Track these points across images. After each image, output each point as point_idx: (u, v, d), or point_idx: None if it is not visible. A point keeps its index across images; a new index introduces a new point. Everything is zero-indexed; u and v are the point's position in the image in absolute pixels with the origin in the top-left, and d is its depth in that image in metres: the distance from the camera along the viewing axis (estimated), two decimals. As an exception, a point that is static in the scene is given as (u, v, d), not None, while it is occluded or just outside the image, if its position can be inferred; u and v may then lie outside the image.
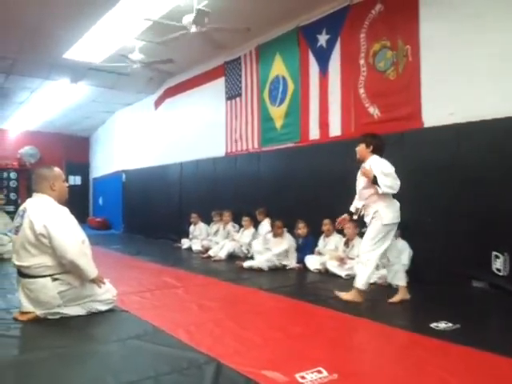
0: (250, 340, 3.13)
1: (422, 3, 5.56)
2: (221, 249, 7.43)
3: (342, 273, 5.52)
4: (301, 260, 6.33)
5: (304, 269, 6.19)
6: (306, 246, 6.46)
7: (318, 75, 7.02)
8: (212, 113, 9.46)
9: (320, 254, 6.21)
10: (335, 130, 6.73)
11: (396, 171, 4.23)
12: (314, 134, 7.07)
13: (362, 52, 6.30)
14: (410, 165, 5.38)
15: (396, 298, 4.27)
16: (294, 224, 6.59)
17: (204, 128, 9.71)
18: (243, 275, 5.84)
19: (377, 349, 3.12)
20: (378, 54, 6.11)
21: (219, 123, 9.12)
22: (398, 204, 4.30)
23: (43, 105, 12.26)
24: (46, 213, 3.52)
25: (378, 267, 4.93)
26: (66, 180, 3.97)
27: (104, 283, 3.78)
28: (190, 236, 8.91)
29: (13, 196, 14.74)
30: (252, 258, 6.77)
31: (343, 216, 4.61)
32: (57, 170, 3.81)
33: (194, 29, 6.03)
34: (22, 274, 3.54)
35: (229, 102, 8.93)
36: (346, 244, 5.85)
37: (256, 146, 8.24)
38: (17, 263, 3.56)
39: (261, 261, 6.26)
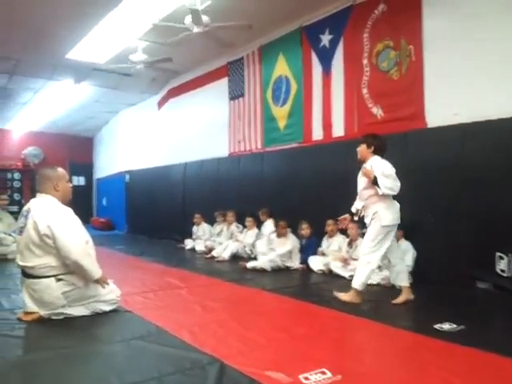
0: (253, 341, 3.13)
1: (425, 3, 5.55)
2: (224, 249, 7.43)
3: (346, 273, 5.51)
4: (304, 261, 6.33)
5: (307, 269, 6.18)
6: (310, 247, 6.45)
7: (321, 75, 7.01)
8: (215, 113, 9.47)
9: (323, 254, 6.21)
10: (338, 130, 6.72)
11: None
12: (318, 134, 7.06)
13: (365, 52, 6.29)
14: (413, 165, 5.37)
15: (400, 299, 4.26)
16: (298, 224, 6.59)
17: (207, 128, 9.71)
18: (246, 276, 5.84)
19: (381, 350, 3.12)
20: (381, 53, 6.10)
21: (222, 123, 9.13)
22: (397, 205, 4.28)
23: (47, 105, 12.29)
24: (50, 213, 3.53)
25: (380, 268, 4.94)
26: (70, 180, 3.98)
27: (108, 284, 3.79)
28: (194, 236, 8.91)
29: (16, 196, 14.77)
30: (255, 258, 6.77)
31: (344, 216, 4.62)
32: (60, 170, 3.82)
33: (196, 29, 6.05)
34: (26, 274, 3.55)
35: (232, 102, 8.94)
36: (350, 245, 5.84)
37: (259, 146, 8.24)
38: (21, 264, 3.57)
39: (264, 261, 6.26)
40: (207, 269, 6.49)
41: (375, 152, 4.33)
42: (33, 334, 3.31)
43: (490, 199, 4.77)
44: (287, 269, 6.28)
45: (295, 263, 6.35)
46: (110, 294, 3.81)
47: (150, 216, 11.35)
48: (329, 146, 6.71)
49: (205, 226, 8.83)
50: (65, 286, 3.53)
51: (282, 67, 7.75)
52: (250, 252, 7.38)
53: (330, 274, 5.81)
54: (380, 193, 4.12)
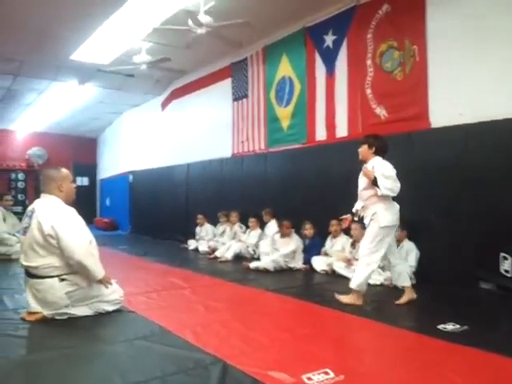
0: (256, 341, 3.13)
1: (429, 3, 5.53)
2: (227, 250, 7.44)
3: (349, 274, 5.47)
4: (307, 261, 6.32)
5: (310, 270, 6.18)
6: (313, 247, 6.45)
7: (324, 76, 7.00)
8: (219, 114, 9.47)
9: (326, 254, 6.20)
10: (342, 130, 6.71)
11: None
12: (321, 134, 7.06)
13: (369, 52, 6.28)
14: (417, 165, 5.37)
15: (403, 300, 4.25)
16: (301, 225, 6.59)
17: (211, 129, 9.72)
18: (249, 276, 5.84)
19: (384, 350, 3.11)
20: (385, 54, 6.09)
21: (226, 124, 9.13)
22: (397, 207, 4.26)
23: (51, 106, 12.32)
24: (54, 214, 3.54)
25: (383, 269, 4.94)
26: (74, 181, 3.99)
27: (111, 284, 3.80)
28: (197, 237, 8.92)
29: (21, 197, 14.80)
30: (258, 258, 6.77)
31: (346, 216, 4.62)
32: (64, 170, 3.83)
33: (200, 30, 6.05)
34: (30, 274, 3.57)
35: (235, 102, 8.94)
36: (353, 245, 5.83)
37: (263, 146, 8.24)
38: (25, 264, 3.58)
39: (267, 261, 6.26)
40: (210, 269, 6.49)
41: (376, 153, 4.31)
42: (36, 333, 3.32)
43: (494, 199, 4.76)
44: (290, 269, 6.27)
45: (298, 263, 6.35)
46: (113, 294, 3.82)
47: (153, 216, 11.37)
48: (332, 147, 6.70)
49: (208, 226, 8.83)
50: (68, 286, 3.54)
51: (285, 68, 7.75)
52: (253, 252, 7.38)
53: (333, 275, 5.81)
54: (379, 193, 4.11)
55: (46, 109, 12.58)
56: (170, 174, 10.94)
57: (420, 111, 5.62)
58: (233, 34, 6.80)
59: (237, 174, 8.60)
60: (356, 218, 4.55)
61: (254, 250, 7.38)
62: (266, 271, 6.09)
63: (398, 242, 5.32)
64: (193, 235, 9.06)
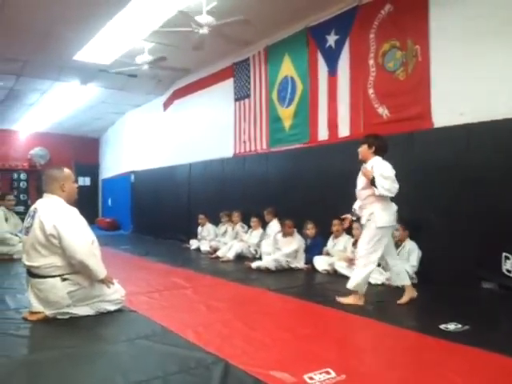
0: (258, 340, 3.14)
1: (431, 3, 5.52)
2: (229, 249, 7.44)
3: (351, 274, 5.46)
4: (309, 261, 6.32)
5: (312, 269, 6.17)
6: (315, 247, 6.45)
7: (326, 76, 7.00)
8: (220, 114, 9.47)
9: (328, 254, 6.20)
10: (344, 130, 6.71)
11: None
12: (323, 134, 7.05)
13: (372, 52, 6.27)
14: (419, 165, 5.37)
15: (404, 299, 4.25)
16: (303, 224, 6.58)
17: (212, 129, 9.72)
18: (251, 276, 5.84)
19: (385, 350, 3.10)
20: (388, 54, 6.08)
21: (228, 124, 9.13)
22: (395, 207, 4.25)
23: (53, 106, 12.34)
24: (56, 213, 3.54)
25: (385, 268, 4.93)
26: (76, 181, 4.00)
27: (113, 283, 3.80)
28: (199, 237, 8.93)
29: (23, 197, 14.81)
30: (260, 258, 6.77)
31: (346, 215, 4.62)
32: (67, 170, 3.84)
33: (202, 30, 6.06)
34: (32, 274, 3.57)
35: (237, 102, 8.94)
36: (355, 245, 5.81)
37: (264, 146, 8.24)
38: (27, 263, 3.59)
39: (268, 260, 6.25)
40: (212, 269, 6.49)
41: (376, 152, 4.30)
42: (38, 333, 3.33)
43: (496, 199, 4.75)
44: (292, 269, 6.27)
45: (300, 263, 6.35)
46: (114, 294, 3.83)
47: (155, 216, 11.38)
48: (334, 147, 6.69)
49: (209, 226, 8.84)
50: (70, 285, 3.55)
51: (287, 68, 7.75)
52: (254, 252, 7.39)
53: (334, 274, 5.81)
54: (377, 193, 4.10)
55: (48, 109, 12.60)
56: (171, 174, 10.95)
57: (422, 111, 5.61)
58: (235, 33, 6.80)
59: (238, 174, 8.60)
60: (354, 218, 4.55)
61: (255, 250, 7.39)
62: (267, 271, 6.09)
63: (400, 241, 5.33)
64: (195, 235, 9.06)
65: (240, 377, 2.48)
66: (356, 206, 4.45)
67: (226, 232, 8.42)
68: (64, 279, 3.53)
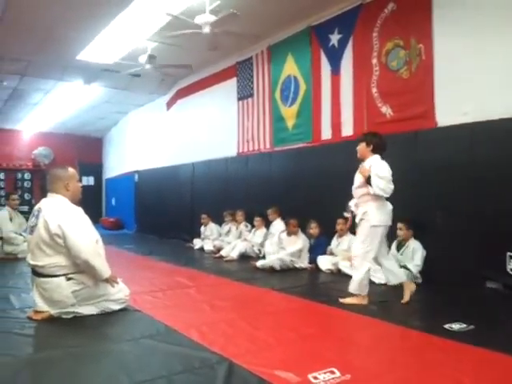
0: (262, 340, 3.14)
1: (435, 2, 5.51)
2: (232, 249, 7.44)
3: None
4: (313, 260, 6.32)
5: (316, 269, 6.17)
6: (319, 246, 6.44)
7: (329, 75, 6.99)
8: (224, 113, 9.48)
9: (332, 253, 6.19)
10: (347, 129, 6.70)
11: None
12: (326, 133, 7.04)
13: (375, 51, 6.26)
14: (423, 164, 5.35)
15: (406, 297, 4.22)
16: (306, 224, 6.58)
17: (216, 128, 9.73)
18: (255, 275, 5.84)
19: (390, 349, 3.10)
20: (391, 53, 6.07)
21: (231, 123, 9.14)
22: (390, 207, 4.24)
23: (57, 106, 12.36)
24: (60, 213, 3.55)
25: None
26: (80, 180, 4.01)
27: (117, 283, 3.81)
28: (202, 236, 8.93)
29: (27, 196, 14.89)
30: (264, 258, 6.76)
31: (348, 214, 4.63)
32: (71, 170, 3.85)
33: (205, 29, 6.05)
34: (37, 273, 3.58)
35: (240, 102, 8.94)
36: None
37: (268, 146, 8.24)
38: (31, 263, 3.60)
39: (273, 259, 6.25)
40: (216, 268, 6.49)
41: (374, 150, 4.29)
42: (43, 332, 3.34)
43: (500, 198, 4.73)
44: (295, 268, 6.26)
45: (304, 263, 6.34)
46: (119, 293, 3.83)
47: (158, 215, 11.39)
48: (337, 146, 6.68)
49: (212, 225, 8.84)
50: (75, 284, 3.56)
51: (290, 67, 7.74)
52: (258, 251, 7.39)
53: (338, 274, 5.80)
54: (371, 192, 4.10)
55: (52, 109, 12.63)
56: (175, 174, 10.96)
57: (426, 110, 5.60)
58: (238, 32, 6.78)
59: (242, 173, 8.60)
60: (348, 215, 4.55)
61: (259, 249, 7.39)
62: (272, 270, 6.08)
63: (404, 241, 5.33)
64: (198, 234, 9.07)
65: (244, 376, 2.49)
66: (352, 203, 4.45)
67: (229, 231, 8.42)
68: (69, 278, 3.54)
